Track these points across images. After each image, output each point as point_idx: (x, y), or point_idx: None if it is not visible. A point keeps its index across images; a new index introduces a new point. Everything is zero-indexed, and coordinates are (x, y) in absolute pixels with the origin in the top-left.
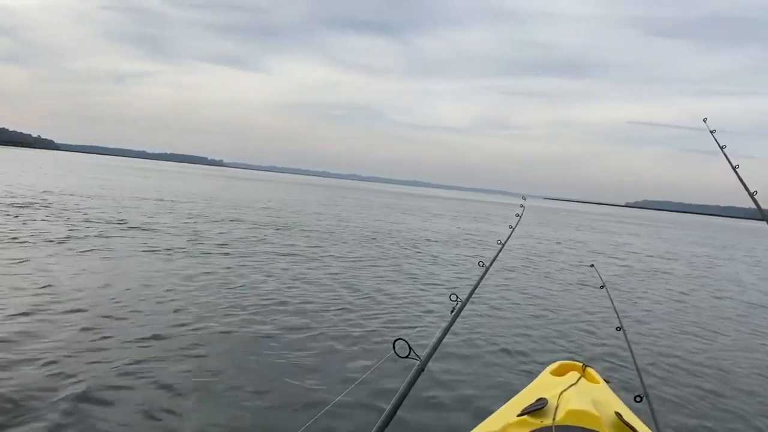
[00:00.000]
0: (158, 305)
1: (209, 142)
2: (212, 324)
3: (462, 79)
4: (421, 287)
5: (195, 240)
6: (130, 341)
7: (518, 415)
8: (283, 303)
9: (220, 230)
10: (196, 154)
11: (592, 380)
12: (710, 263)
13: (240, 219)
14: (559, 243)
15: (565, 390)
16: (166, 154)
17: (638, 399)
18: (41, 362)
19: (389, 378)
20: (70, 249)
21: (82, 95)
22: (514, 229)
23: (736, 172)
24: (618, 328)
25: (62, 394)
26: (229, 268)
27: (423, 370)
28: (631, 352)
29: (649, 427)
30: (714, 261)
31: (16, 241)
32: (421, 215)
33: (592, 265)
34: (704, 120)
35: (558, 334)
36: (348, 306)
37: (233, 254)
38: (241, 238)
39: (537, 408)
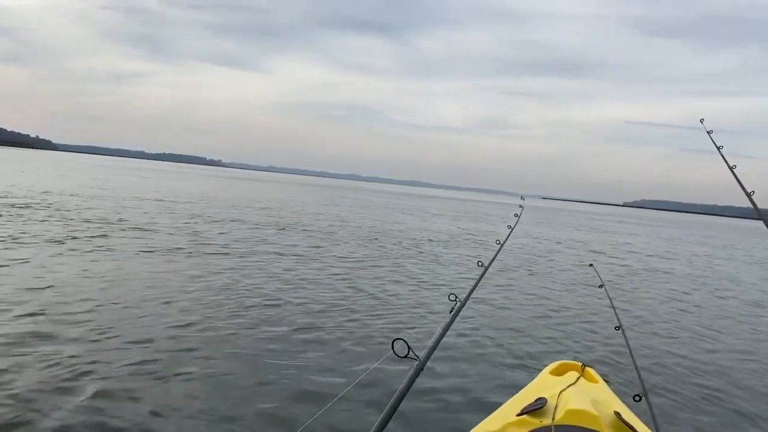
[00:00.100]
0: (159, 305)
1: (208, 142)
2: (212, 324)
3: (462, 79)
4: (420, 287)
5: (195, 240)
6: (131, 341)
7: (517, 415)
8: (283, 303)
9: (220, 230)
10: (194, 154)
11: (592, 380)
12: (709, 263)
13: (239, 219)
14: (558, 243)
15: (565, 389)
16: (164, 154)
17: (637, 398)
18: (42, 363)
19: (388, 378)
20: (71, 249)
21: (80, 95)
22: (513, 229)
23: (733, 173)
24: (617, 328)
25: (64, 393)
26: (228, 268)
27: (422, 369)
28: (630, 351)
29: (649, 427)
30: (713, 260)
31: (18, 241)
32: (421, 215)
33: (591, 265)
34: (701, 121)
35: (557, 333)
36: (347, 306)
37: (233, 254)
38: (241, 239)
39: (536, 408)
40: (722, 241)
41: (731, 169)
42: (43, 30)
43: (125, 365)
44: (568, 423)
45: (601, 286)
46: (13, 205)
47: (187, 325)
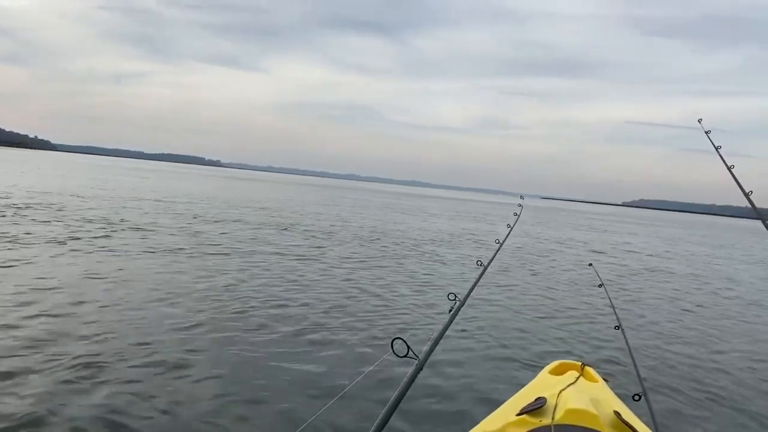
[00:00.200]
0: (163, 306)
1: (207, 143)
2: (209, 323)
3: (461, 79)
4: (420, 287)
5: (196, 241)
6: (137, 342)
7: (517, 415)
8: (283, 303)
9: (221, 231)
10: (193, 155)
11: (591, 379)
12: (708, 262)
13: (240, 219)
14: (558, 242)
15: (564, 389)
16: (163, 154)
17: (637, 398)
18: (49, 363)
19: (387, 377)
20: (73, 250)
21: (79, 95)
22: (512, 229)
23: (732, 173)
24: (616, 327)
25: (72, 394)
26: (229, 268)
27: (421, 369)
28: (630, 351)
29: (648, 426)
30: (712, 260)
31: (20, 242)
32: (420, 215)
33: (591, 265)
34: (699, 120)
35: (556, 333)
36: (346, 306)
37: (234, 255)
38: (242, 239)
39: (536, 407)
40: (721, 240)
41: (729, 169)
42: (42, 30)
43: (132, 366)
44: (567, 422)
45: (600, 286)
46: (13, 206)
47: (192, 326)
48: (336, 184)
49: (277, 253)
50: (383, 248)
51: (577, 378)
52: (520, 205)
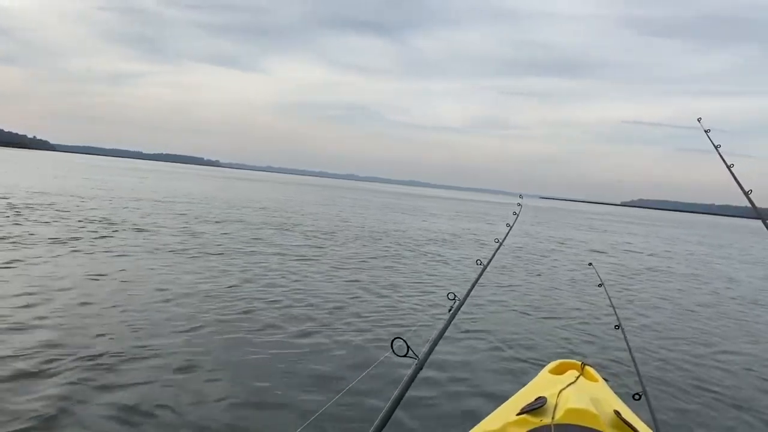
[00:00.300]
0: (165, 307)
1: (206, 143)
2: (209, 323)
3: (461, 79)
4: (419, 286)
5: (196, 241)
6: (136, 342)
7: (517, 414)
8: (282, 303)
9: (220, 231)
10: (192, 155)
11: (591, 379)
12: (707, 262)
13: (239, 219)
14: (557, 242)
15: (564, 388)
16: (162, 154)
17: (637, 397)
18: (54, 365)
19: (387, 377)
20: (74, 251)
21: (78, 96)
22: (511, 228)
23: (731, 172)
24: (616, 327)
25: (57, 393)
26: (229, 269)
27: (421, 368)
28: (630, 350)
29: (648, 425)
30: (711, 259)
31: (20, 242)
32: (420, 215)
33: (591, 264)
34: (698, 119)
35: (557, 332)
36: (346, 305)
37: (233, 255)
38: (241, 239)
39: (536, 407)
40: (720, 240)
41: (729, 167)
42: (41, 30)
43: (137, 367)
44: (567, 422)
45: (600, 285)
46: (13, 206)
47: (194, 326)
48: (335, 184)
49: (277, 254)
50: (383, 248)
51: (578, 377)
52: (519, 205)
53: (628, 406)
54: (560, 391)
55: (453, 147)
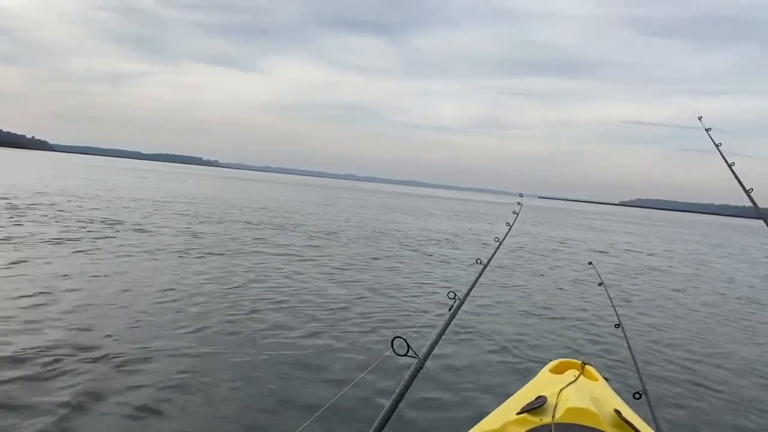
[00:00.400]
0: (159, 305)
1: (205, 143)
2: (212, 324)
3: (461, 79)
4: (419, 285)
5: (196, 242)
6: (131, 341)
7: (518, 413)
8: (282, 302)
9: (220, 231)
10: (191, 155)
11: (591, 378)
12: (707, 261)
13: (239, 220)
14: (556, 241)
15: (565, 388)
16: (161, 154)
17: (637, 396)
18: (44, 361)
19: (388, 376)
20: (75, 252)
21: (77, 96)
22: (511, 227)
23: (732, 170)
24: (617, 326)
25: (68, 393)
26: (228, 268)
27: (421, 368)
28: (630, 349)
29: (649, 424)
30: (710, 259)
31: (20, 243)
32: (419, 215)
33: (591, 263)
34: (699, 118)
35: (557, 331)
36: (346, 305)
37: (232, 254)
38: (240, 238)
39: (536, 406)
40: (720, 239)
41: (730, 166)
42: (40, 30)
43: (140, 368)
44: (568, 421)
45: (600, 285)
46: (12, 207)
47: (196, 327)
48: (335, 184)
49: (277, 254)
50: (383, 248)
51: (578, 376)
52: (519, 204)
53: (629, 405)
54: (560, 390)
55: (453, 147)
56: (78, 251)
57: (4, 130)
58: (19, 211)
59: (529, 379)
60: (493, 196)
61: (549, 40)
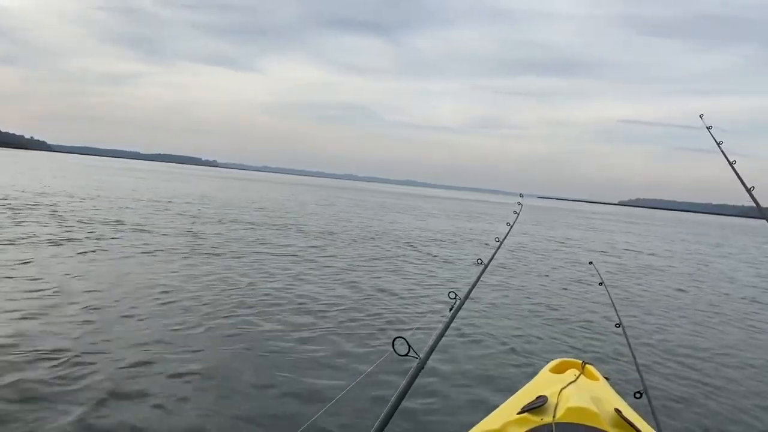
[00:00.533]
0: (160, 306)
1: (204, 143)
2: (212, 324)
3: (459, 78)
4: (420, 285)
5: (194, 241)
6: (134, 342)
7: (518, 413)
8: (282, 303)
9: (218, 231)
10: (189, 155)
11: (592, 377)
12: (706, 260)
13: (238, 220)
14: (556, 241)
15: (565, 387)
16: (160, 154)
17: (638, 395)
18: (45, 363)
19: (389, 376)
20: (70, 251)
21: (76, 96)
22: (512, 227)
23: (734, 168)
24: (617, 325)
25: (68, 394)
26: (229, 268)
27: (422, 368)
28: (631, 348)
29: (649, 424)
30: (710, 258)
31: (17, 243)
32: (419, 215)
33: (591, 263)
34: (701, 116)
35: (557, 331)
36: (347, 305)
37: (232, 255)
38: (239, 239)
39: (537, 405)
40: (719, 239)
41: (731, 164)
42: (39, 30)
43: (127, 365)
44: (568, 421)
45: (600, 284)
46: (11, 207)
47: (193, 326)
48: (333, 184)
49: (277, 254)
50: (383, 248)
51: (578, 376)
52: (519, 204)
53: (629, 404)
54: (561, 390)
55: (451, 147)
56: (81, 252)
57: (3, 130)
58: (20, 211)
59: (530, 379)
60: (493, 196)
61: (547, 40)
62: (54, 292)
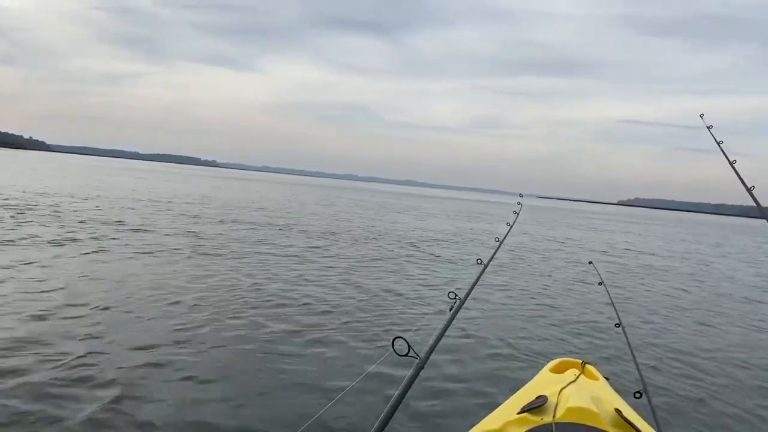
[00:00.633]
0: (163, 307)
1: (203, 143)
2: (218, 325)
3: (459, 79)
4: (420, 285)
5: (196, 241)
6: (141, 342)
7: (518, 413)
8: (282, 303)
9: (220, 231)
10: (189, 155)
11: (592, 377)
12: (706, 260)
13: (238, 220)
14: (556, 241)
15: (565, 387)
16: (159, 154)
17: (638, 395)
18: (50, 365)
19: (388, 377)
20: (73, 252)
21: (75, 96)
22: (512, 227)
23: (734, 168)
24: (617, 325)
25: (74, 396)
26: (229, 269)
27: (422, 368)
28: (631, 348)
29: (649, 424)
30: (710, 258)
31: (20, 244)
32: (419, 215)
33: (591, 263)
34: (701, 116)
35: (557, 331)
36: (347, 305)
37: (234, 255)
38: (241, 239)
39: (537, 405)
40: (718, 238)
41: (731, 164)
42: (38, 30)
43: (134, 366)
44: (568, 420)
45: (600, 284)
46: (10, 207)
47: (194, 327)
48: (333, 184)
49: (277, 254)
50: (383, 248)
51: (578, 376)
52: (519, 204)
53: (629, 404)
54: (561, 390)
55: (451, 147)
56: (84, 253)
57: (2, 130)
58: (22, 212)
59: (530, 379)
60: (492, 196)
61: (547, 40)
62: (59, 293)
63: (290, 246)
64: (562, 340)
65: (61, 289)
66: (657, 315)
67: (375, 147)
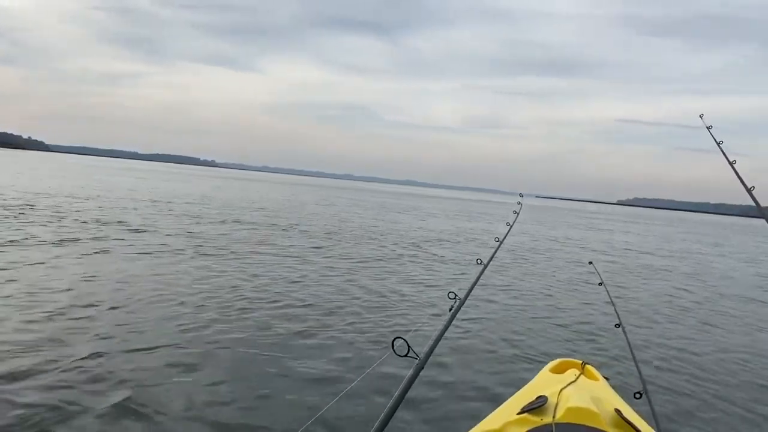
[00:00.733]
0: (168, 307)
1: (202, 143)
2: (214, 325)
3: (459, 78)
4: (420, 286)
5: (198, 241)
6: (146, 343)
7: (518, 413)
8: (282, 303)
9: (221, 231)
10: (188, 155)
11: (592, 377)
12: (706, 260)
13: (239, 220)
14: (556, 241)
15: (565, 387)
16: (158, 154)
17: (638, 395)
18: (58, 366)
19: (388, 377)
20: (75, 252)
21: (74, 96)
22: (512, 227)
23: (734, 168)
24: (617, 325)
25: (82, 396)
26: (230, 269)
27: (422, 368)
28: (631, 348)
29: (649, 424)
30: (709, 257)
31: (24, 245)
32: (419, 215)
33: (591, 263)
34: (701, 116)
35: (557, 331)
36: (347, 305)
37: (235, 255)
38: (243, 239)
39: (537, 406)
40: (717, 238)
41: (731, 164)
42: (37, 30)
43: (136, 367)
44: (568, 421)
45: (600, 284)
46: (10, 207)
47: (194, 327)
48: (333, 184)
49: (277, 254)
50: (382, 248)
51: (578, 376)
52: (519, 203)
53: (629, 404)
54: (561, 390)
55: (451, 147)
56: (87, 254)
57: (1, 130)
58: (23, 212)
59: (530, 379)
60: (492, 196)
61: (547, 40)
62: (65, 294)
63: (291, 246)
64: (562, 339)
65: (67, 289)
66: (657, 315)
67: (375, 147)
